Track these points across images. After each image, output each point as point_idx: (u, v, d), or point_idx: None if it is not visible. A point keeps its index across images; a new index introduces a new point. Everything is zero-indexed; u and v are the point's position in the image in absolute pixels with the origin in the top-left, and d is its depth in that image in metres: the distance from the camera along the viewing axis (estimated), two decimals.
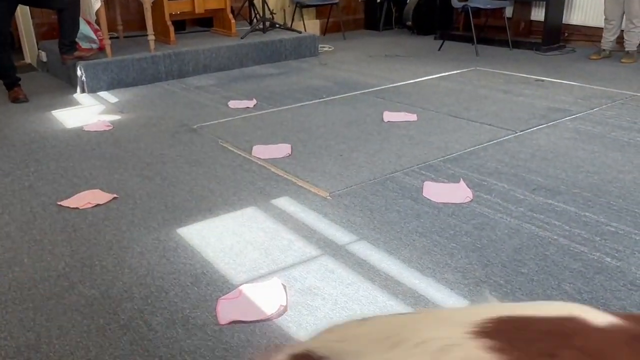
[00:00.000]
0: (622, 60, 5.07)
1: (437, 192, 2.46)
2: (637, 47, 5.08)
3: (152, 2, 4.74)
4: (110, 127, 3.50)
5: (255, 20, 5.82)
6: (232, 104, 3.97)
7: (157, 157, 2.97)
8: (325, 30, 7.05)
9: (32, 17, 5.14)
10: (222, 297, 1.75)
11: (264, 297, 1.74)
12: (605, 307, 1.64)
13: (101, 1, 4.30)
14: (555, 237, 2.07)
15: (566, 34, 6.03)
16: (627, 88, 4.14)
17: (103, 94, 4.39)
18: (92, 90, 4.42)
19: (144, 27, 4.81)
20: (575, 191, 2.45)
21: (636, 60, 5.07)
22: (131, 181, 2.67)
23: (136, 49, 4.80)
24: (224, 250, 2.03)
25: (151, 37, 4.69)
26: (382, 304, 1.70)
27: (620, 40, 5.18)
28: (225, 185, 2.60)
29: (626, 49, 5.11)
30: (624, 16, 5.01)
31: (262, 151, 3.00)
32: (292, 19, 6.63)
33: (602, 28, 5.34)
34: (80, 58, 4.38)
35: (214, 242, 2.09)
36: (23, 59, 5.36)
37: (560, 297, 1.72)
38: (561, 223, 2.17)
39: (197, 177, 2.69)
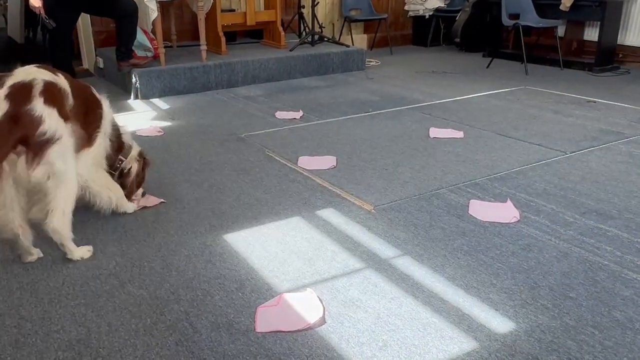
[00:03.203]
0: None
1: (483, 210, 2.43)
2: None
3: (206, 14, 4.88)
4: (162, 133, 3.61)
5: (304, 33, 5.90)
6: (279, 114, 4.03)
7: (205, 164, 3.04)
8: (372, 45, 7.08)
9: (91, 25, 5.36)
10: (262, 305, 1.77)
11: (302, 307, 1.76)
12: None
13: (158, 11, 4.46)
14: (606, 262, 2.01)
15: (620, 55, 5.87)
16: None
17: (155, 100, 4.53)
18: (145, 96, 4.57)
19: (197, 37, 4.95)
20: (628, 216, 2.38)
21: None
22: (180, 186, 2.74)
23: (188, 58, 4.94)
24: (268, 258, 2.06)
25: (203, 47, 4.82)
26: (425, 320, 1.69)
27: None
28: (271, 194, 2.64)
29: None
30: None
31: (307, 162, 3.03)
32: (341, 33, 6.70)
33: None
34: (136, 65, 4.53)
35: (259, 249, 2.12)
36: (81, 64, 5.59)
37: (611, 324, 1.66)
38: (612, 248, 2.11)
39: (244, 185, 2.74)
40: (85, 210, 2.45)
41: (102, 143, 2.24)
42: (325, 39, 5.85)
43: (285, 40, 5.60)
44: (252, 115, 4.04)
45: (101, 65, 5.31)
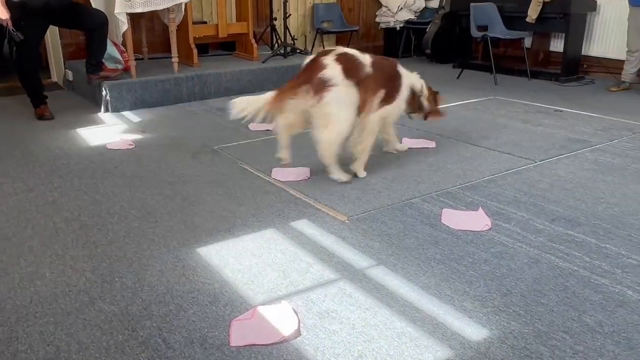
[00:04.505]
0: None
1: (456, 219, 2.46)
2: None
3: (177, 26, 4.85)
4: (133, 146, 3.56)
5: (276, 45, 5.92)
6: (253, 126, 4.01)
7: (178, 177, 3.01)
8: None
9: (60, 37, 5.28)
10: (236, 319, 1.75)
11: (277, 320, 1.74)
12: (628, 342, 1.62)
13: (128, 23, 4.42)
14: (575, 268, 2.05)
15: (585, 66, 6.04)
16: None
17: (126, 113, 4.48)
18: (116, 109, 4.51)
19: (168, 49, 4.92)
20: (596, 222, 2.43)
21: None
22: (152, 200, 2.71)
23: (160, 71, 4.90)
24: (242, 271, 2.04)
25: (175, 59, 4.79)
26: (400, 329, 1.70)
27: None
28: (245, 206, 2.62)
29: None
30: None
31: (281, 174, 3.03)
32: (313, 45, 6.74)
33: (621, 60, 5.36)
34: (106, 78, 4.48)
35: (232, 262, 2.11)
36: (50, 77, 5.50)
37: (581, 329, 1.70)
38: (581, 254, 2.15)
39: (217, 198, 2.72)
40: (53, 225, 2.40)
41: (399, 104, 2.97)
42: (298, 51, 5.87)
43: (258, 52, 5.61)
44: (225, 127, 4.03)
45: (70, 78, 5.23)
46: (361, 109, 2.75)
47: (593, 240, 2.26)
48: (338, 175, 2.82)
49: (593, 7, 5.72)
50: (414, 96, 3.08)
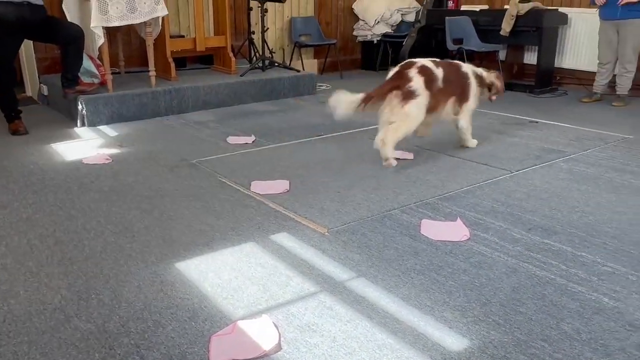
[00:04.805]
0: (614, 104, 5.19)
1: (435, 230, 2.48)
2: (628, 91, 5.21)
3: (155, 40, 4.84)
4: (110, 161, 3.52)
5: (254, 58, 5.93)
6: (231, 139, 4.01)
7: (155, 191, 2.98)
8: (323, 69, 7.19)
9: (34, 51, 5.21)
10: (216, 334, 1.73)
11: (257, 334, 1.73)
12: (605, 348, 1.64)
13: (104, 37, 4.39)
14: (552, 276, 2.08)
15: (558, 78, 6.17)
16: (618, 131, 4.22)
17: (103, 127, 4.43)
18: (92, 124, 4.46)
19: (145, 63, 4.89)
20: (571, 231, 2.47)
21: (627, 104, 5.18)
22: (129, 214, 2.67)
23: (137, 84, 4.87)
24: (221, 286, 2.02)
25: (152, 73, 4.76)
26: (381, 341, 1.69)
27: (612, 84, 5.31)
28: (224, 220, 2.61)
29: (617, 93, 5.24)
30: (617, 61, 5.15)
31: (260, 187, 3.02)
32: (291, 58, 6.77)
33: (593, 72, 5.48)
34: (82, 92, 4.43)
35: (212, 276, 2.09)
36: (24, 91, 5.41)
37: (559, 336, 1.71)
38: (558, 263, 2.18)
39: (196, 212, 2.70)
40: (28, 242, 2.36)
41: (473, 100, 3.65)
42: (276, 64, 5.90)
43: (236, 65, 5.61)
44: (204, 140, 4.01)
45: (45, 93, 5.16)
46: (430, 110, 3.37)
47: (569, 249, 2.30)
48: (390, 155, 3.31)
49: (564, 20, 5.86)
50: (481, 84, 3.71)
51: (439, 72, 3.37)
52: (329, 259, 2.22)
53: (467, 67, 3.66)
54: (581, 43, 5.91)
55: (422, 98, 3.26)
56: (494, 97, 3.84)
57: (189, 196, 2.91)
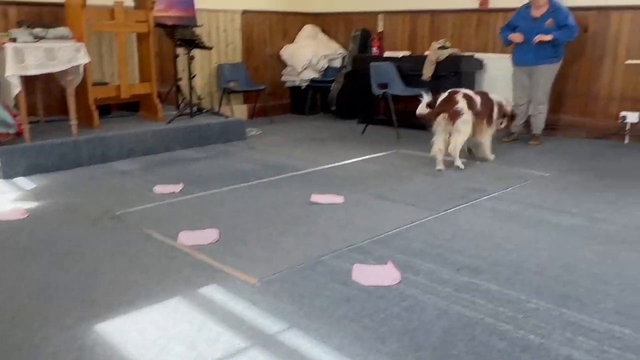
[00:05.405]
0: (530, 143, 5.48)
1: (366, 274, 2.48)
2: (542, 130, 5.53)
3: (76, 87, 4.69)
4: (26, 216, 3.32)
5: (182, 104, 5.86)
6: (158, 188, 3.89)
7: (75, 247, 2.82)
8: (253, 115, 7.20)
9: None
10: None
11: None
12: None
13: (21, 85, 4.21)
14: (481, 316, 2.11)
15: None
16: (536, 168, 4.45)
17: (19, 180, 4.18)
18: (8, 176, 4.21)
19: (67, 111, 4.71)
20: (497, 269, 2.54)
21: (542, 143, 5.50)
22: (46, 274, 2.50)
23: (57, 134, 4.67)
24: (145, 347, 1.91)
25: (73, 121, 4.60)
26: None
27: (527, 124, 5.63)
28: (149, 275, 2.49)
29: (533, 132, 5.55)
30: (530, 102, 5.48)
31: (188, 237, 2.93)
32: (220, 104, 6.75)
33: None
34: None
35: (135, 337, 1.97)
36: None
37: None
38: (485, 302, 2.23)
39: (119, 268, 2.57)
40: None
41: (494, 122, 4.65)
42: (204, 110, 5.85)
43: (164, 112, 5.52)
44: (129, 191, 3.87)
45: None
46: (475, 127, 4.44)
47: (495, 287, 2.36)
48: (459, 162, 4.43)
49: (480, 66, 6.21)
50: (500, 110, 4.71)
51: (477, 99, 4.42)
52: (260, 310, 2.16)
53: (494, 96, 4.68)
54: (497, 86, 6.25)
55: (467, 116, 4.30)
56: (502, 125, 4.81)
57: (112, 251, 2.77)
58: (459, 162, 4.41)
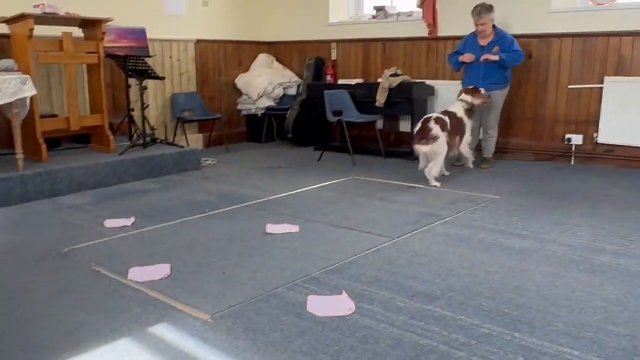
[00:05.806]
0: (482, 166, 5.62)
1: (321, 305, 2.45)
2: (492, 154, 5.69)
3: (23, 120, 4.55)
4: None
5: (135, 135, 5.77)
6: (109, 223, 3.79)
7: (15, 290, 2.69)
8: (209, 143, 7.15)
9: None
10: None
11: None
12: None
13: None
14: (435, 344, 2.12)
15: None
16: (487, 192, 4.55)
17: None
18: None
19: (12, 144, 4.56)
20: (450, 295, 2.56)
21: (493, 166, 5.64)
22: None
23: (3, 168, 4.50)
24: None
25: (19, 155, 4.45)
26: None
27: (478, 148, 5.77)
28: (97, 315, 2.40)
29: (484, 156, 5.69)
30: (481, 127, 5.63)
31: (139, 273, 2.85)
32: (175, 134, 6.67)
33: None
34: None
35: None
36: None
37: None
38: (439, 329, 2.23)
39: (64, 309, 2.47)
40: None
41: (468, 133, 5.18)
42: (158, 141, 5.77)
43: (116, 143, 5.41)
44: (77, 226, 3.75)
45: None
46: (449, 144, 4.86)
47: (449, 313, 2.37)
48: (434, 182, 4.82)
49: (431, 92, 6.36)
50: (470, 111, 5.21)
51: (447, 120, 4.86)
52: (212, 348, 2.11)
53: (458, 111, 5.09)
54: None
55: (442, 138, 4.75)
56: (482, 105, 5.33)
57: (58, 291, 2.66)
58: (434, 182, 4.81)
